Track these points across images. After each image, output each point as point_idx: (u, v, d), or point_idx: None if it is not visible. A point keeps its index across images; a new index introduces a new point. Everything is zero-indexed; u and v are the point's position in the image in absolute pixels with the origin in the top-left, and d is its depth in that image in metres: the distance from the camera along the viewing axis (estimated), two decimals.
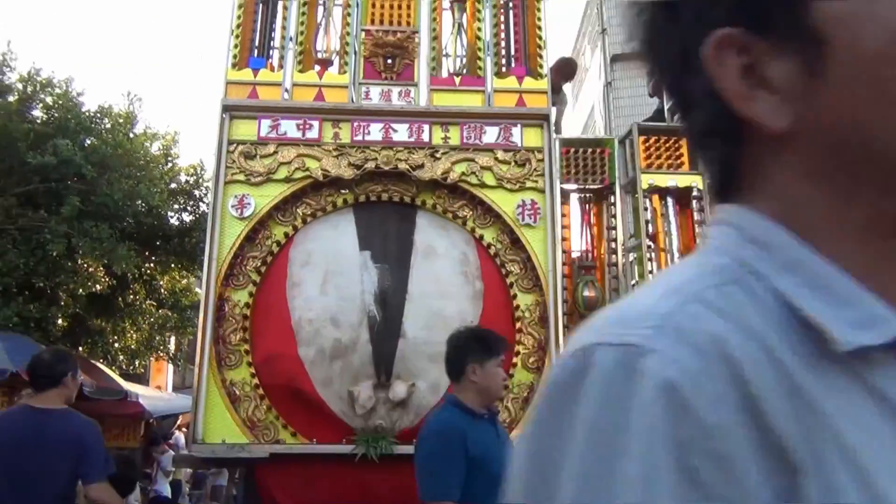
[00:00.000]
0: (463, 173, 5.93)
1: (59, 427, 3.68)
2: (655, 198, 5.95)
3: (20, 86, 13.10)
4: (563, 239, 6.08)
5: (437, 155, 5.97)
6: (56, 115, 12.90)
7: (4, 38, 25.98)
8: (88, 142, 12.58)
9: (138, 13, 75.12)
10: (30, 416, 3.74)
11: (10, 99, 12.55)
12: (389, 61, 6.39)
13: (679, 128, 6.24)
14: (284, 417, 5.44)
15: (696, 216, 5.91)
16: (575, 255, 6.18)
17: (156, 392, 16.55)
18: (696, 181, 5.94)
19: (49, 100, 13.23)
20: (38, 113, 13.16)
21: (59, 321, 12.27)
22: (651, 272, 5.70)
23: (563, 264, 5.99)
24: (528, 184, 5.97)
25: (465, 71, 6.50)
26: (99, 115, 13.50)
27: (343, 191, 5.98)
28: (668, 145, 6.09)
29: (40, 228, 11.56)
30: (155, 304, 14.79)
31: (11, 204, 11.71)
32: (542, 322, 5.72)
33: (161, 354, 16.04)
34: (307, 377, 5.38)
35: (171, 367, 20.87)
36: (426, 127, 6.08)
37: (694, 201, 5.94)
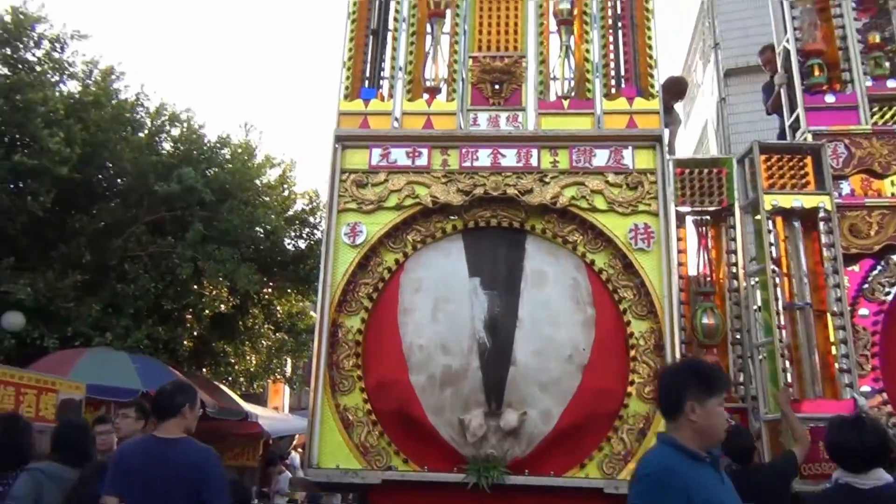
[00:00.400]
0: (573, 197, 5.84)
1: (179, 455, 3.84)
2: (779, 219, 5.64)
3: (149, 121, 14.03)
4: (680, 264, 5.85)
5: (546, 179, 5.91)
6: (181, 147, 13.73)
7: (138, 80, 28.00)
8: (210, 171, 13.27)
9: (255, 47, 78.99)
10: (153, 445, 3.93)
11: (141, 135, 13.43)
12: (497, 87, 6.40)
13: (803, 145, 5.92)
14: (396, 444, 5.47)
15: (823, 238, 5.55)
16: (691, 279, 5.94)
17: (273, 413, 17.17)
18: (823, 201, 5.60)
19: (175, 132, 14.11)
20: (166, 146, 14.05)
21: (185, 343, 12.93)
22: (777, 298, 5.38)
23: (680, 290, 5.77)
24: (641, 207, 5.80)
25: (573, 94, 6.41)
26: (219, 145, 14.25)
27: (452, 217, 6.00)
28: (791, 164, 5.76)
29: (169, 254, 12.27)
30: (272, 327, 15.37)
31: (142, 232, 12.51)
32: (657, 350, 5.51)
33: (278, 377, 16.62)
34: (418, 403, 5.40)
35: (287, 388, 21.55)
36: (534, 151, 6.03)
37: (821, 223, 5.59)
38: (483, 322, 5.49)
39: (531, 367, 5.34)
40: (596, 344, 5.47)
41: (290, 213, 15.26)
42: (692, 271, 5.99)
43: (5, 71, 12.14)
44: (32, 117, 11.19)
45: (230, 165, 13.84)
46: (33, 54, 12.64)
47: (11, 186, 11.46)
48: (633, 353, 5.53)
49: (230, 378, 14.77)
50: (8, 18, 12.12)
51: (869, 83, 6.28)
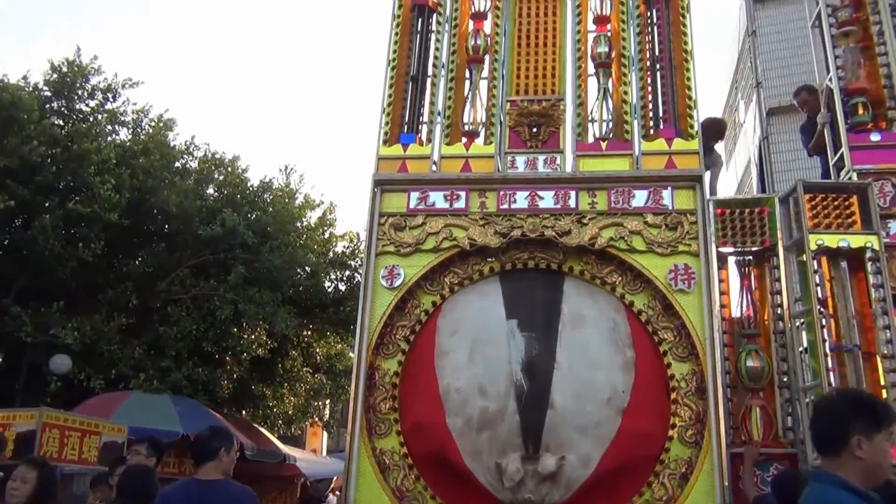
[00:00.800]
0: (611, 238, 5.80)
1: (218, 495, 4.02)
2: (825, 259, 5.51)
3: (196, 166, 14.41)
4: (722, 305, 5.72)
5: (584, 220, 5.89)
6: (225, 191, 14.04)
7: (188, 126, 28.86)
8: (252, 215, 13.53)
9: (300, 91, 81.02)
10: (193, 486, 4.10)
11: (189, 182, 13.79)
12: (535, 130, 6.44)
13: (848, 184, 5.80)
14: (432, 488, 5.40)
15: (871, 279, 5.39)
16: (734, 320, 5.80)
17: (311, 455, 17.12)
18: (871, 241, 5.45)
19: (220, 177, 14.45)
20: (210, 190, 14.38)
21: (225, 385, 13.04)
22: (824, 340, 5.22)
23: (723, 332, 5.63)
24: (681, 247, 5.74)
25: (611, 135, 6.41)
26: (261, 189, 14.54)
27: (490, 259, 6.00)
28: (836, 203, 5.64)
29: (210, 296, 12.46)
30: (311, 370, 15.41)
31: (186, 275, 12.75)
32: (699, 393, 5.38)
33: (316, 419, 16.61)
34: (455, 447, 5.34)
35: (325, 431, 21.52)
36: (573, 193, 6.03)
37: (868, 263, 5.44)
38: (520, 364, 5.44)
39: (569, 411, 5.25)
40: (635, 387, 5.37)
41: (331, 255, 15.42)
42: (735, 313, 5.84)
43: (60, 122, 12.63)
44: (86, 166, 11.60)
45: (271, 209, 14.09)
46: (87, 104, 13.15)
47: (63, 232, 11.82)
48: (674, 395, 5.41)
49: (269, 420, 14.81)
50: (65, 69, 12.64)
51: None
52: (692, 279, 5.62)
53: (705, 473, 5.16)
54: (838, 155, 6.32)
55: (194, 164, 14.50)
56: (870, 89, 6.39)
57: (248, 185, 14.44)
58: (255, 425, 13.32)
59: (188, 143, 14.47)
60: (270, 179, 14.92)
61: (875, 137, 6.16)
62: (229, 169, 14.49)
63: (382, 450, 5.58)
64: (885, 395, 5.10)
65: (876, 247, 5.45)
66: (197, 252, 12.88)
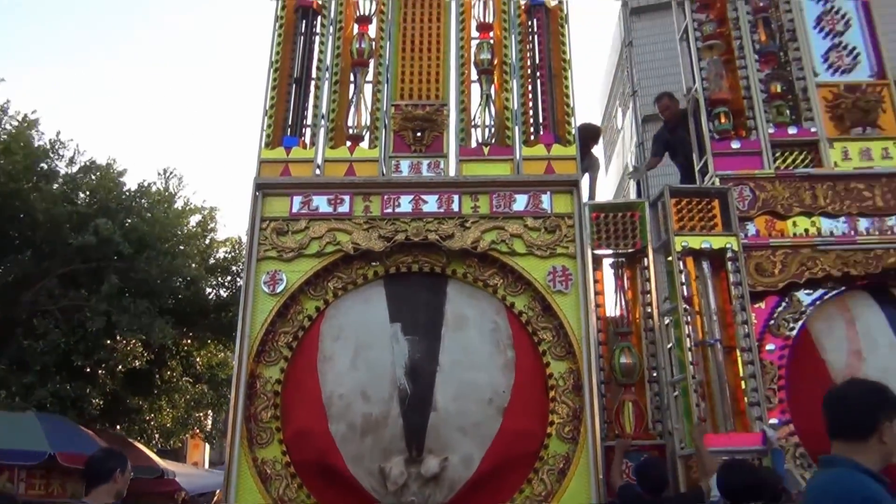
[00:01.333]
0: (493, 241, 5.92)
1: None
2: (689, 260, 5.83)
3: (64, 169, 13.52)
4: (597, 305, 5.98)
5: (467, 224, 5.98)
6: (99, 196, 13.28)
7: (53, 126, 27.16)
8: (128, 221, 12.88)
9: (178, 94, 78.13)
10: None
11: (56, 185, 12.94)
12: (419, 134, 6.49)
13: (710, 189, 6.17)
14: (315, 496, 5.33)
15: (731, 277, 5.76)
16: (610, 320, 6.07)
17: (192, 469, 16.50)
18: (730, 242, 5.83)
19: (93, 181, 13.63)
20: (81, 195, 13.55)
21: (96, 400, 12.33)
22: (689, 336, 5.53)
23: (599, 331, 5.89)
24: (559, 250, 5.92)
25: (493, 140, 6.55)
26: (138, 194, 13.86)
27: (374, 263, 6.00)
28: (700, 207, 6.00)
29: (81, 307, 11.77)
30: (191, 379, 14.84)
31: (54, 285, 11.98)
32: (576, 390, 5.57)
33: (197, 431, 16.01)
34: (338, 453, 5.29)
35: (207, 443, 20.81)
36: (456, 197, 6.11)
37: (729, 262, 5.80)
38: (404, 368, 5.46)
39: (452, 412, 5.32)
40: (516, 386, 5.50)
41: (212, 261, 14.90)
42: (610, 312, 6.11)
43: None
44: None
45: (149, 214, 13.44)
46: None
47: None
48: (552, 393, 5.58)
49: (145, 434, 14.15)
50: None
51: (771, 130, 6.61)
52: (569, 280, 5.81)
53: (582, 468, 5.34)
54: (703, 161, 6.71)
55: (62, 166, 13.58)
56: (731, 99, 6.83)
57: (125, 189, 13.72)
58: (131, 440, 12.68)
59: (53, 141, 13.47)
60: (148, 184, 14.25)
61: (735, 145, 6.58)
62: (101, 173, 13.67)
63: (264, 459, 5.45)
64: (743, 385, 5.46)
65: (735, 247, 5.82)
66: (67, 261, 12.13)
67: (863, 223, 6.17)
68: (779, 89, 6.86)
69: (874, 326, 5.87)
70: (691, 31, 7.17)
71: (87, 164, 13.62)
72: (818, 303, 6.03)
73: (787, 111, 6.79)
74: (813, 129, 6.63)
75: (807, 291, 6.04)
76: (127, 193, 13.64)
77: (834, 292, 6.06)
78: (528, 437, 5.43)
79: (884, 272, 6.00)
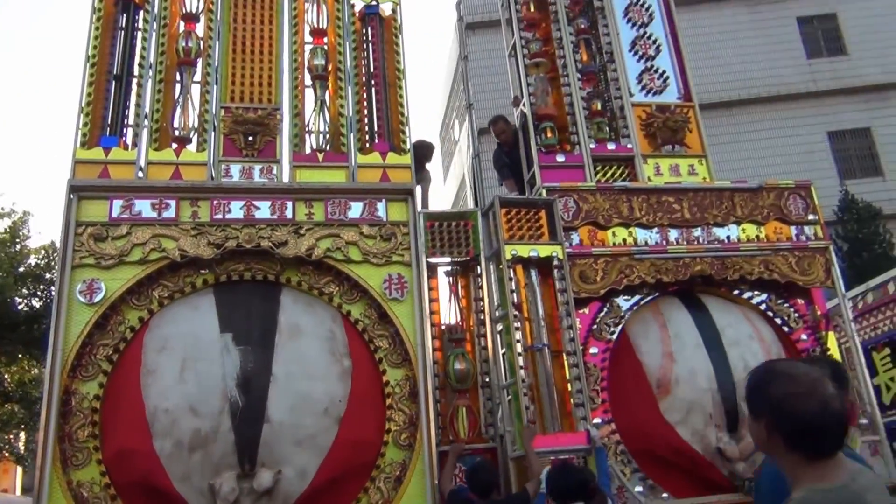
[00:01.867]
0: (328, 249, 5.87)
1: None
2: (519, 268, 6.07)
3: None
4: (432, 312, 6.08)
5: (302, 231, 5.89)
6: None
7: None
8: None
9: None
10: None
11: None
12: (250, 138, 6.30)
13: (538, 200, 6.47)
14: None
15: (557, 284, 6.06)
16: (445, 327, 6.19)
17: (1, 496, 15.09)
18: (556, 251, 6.13)
19: None
20: None
21: None
22: (518, 341, 5.75)
23: (434, 338, 5.99)
24: (395, 258, 5.97)
25: (328, 147, 6.50)
26: None
27: (203, 271, 5.76)
28: (528, 217, 6.26)
29: None
30: (0, 398, 13.56)
31: None
32: (412, 397, 5.64)
33: (6, 454, 14.63)
34: (164, 472, 5.01)
35: (19, 467, 19.04)
36: (289, 203, 6.00)
37: (555, 270, 6.10)
38: (235, 380, 5.26)
39: (286, 424, 5.20)
40: (353, 395, 5.47)
41: (22, 269, 13.69)
42: (445, 319, 6.24)
43: None
44: None
45: None
46: None
47: None
48: (389, 401, 5.61)
49: None
50: None
51: (592, 145, 7.05)
52: (405, 288, 5.88)
53: (418, 474, 5.41)
54: (531, 173, 7.03)
55: None
56: (556, 115, 7.21)
57: None
58: None
59: None
60: None
61: (560, 158, 6.95)
62: None
63: (80, 482, 5.07)
64: (569, 388, 5.76)
65: (560, 256, 6.14)
66: None
67: (673, 233, 6.70)
68: (599, 107, 7.33)
69: (683, 329, 6.36)
70: (519, 48, 7.50)
71: None
72: (635, 308, 6.48)
73: (607, 128, 7.26)
74: (629, 146, 7.14)
75: (625, 297, 6.49)
76: None
77: (649, 298, 6.54)
78: (365, 447, 5.42)
79: (691, 279, 6.56)
